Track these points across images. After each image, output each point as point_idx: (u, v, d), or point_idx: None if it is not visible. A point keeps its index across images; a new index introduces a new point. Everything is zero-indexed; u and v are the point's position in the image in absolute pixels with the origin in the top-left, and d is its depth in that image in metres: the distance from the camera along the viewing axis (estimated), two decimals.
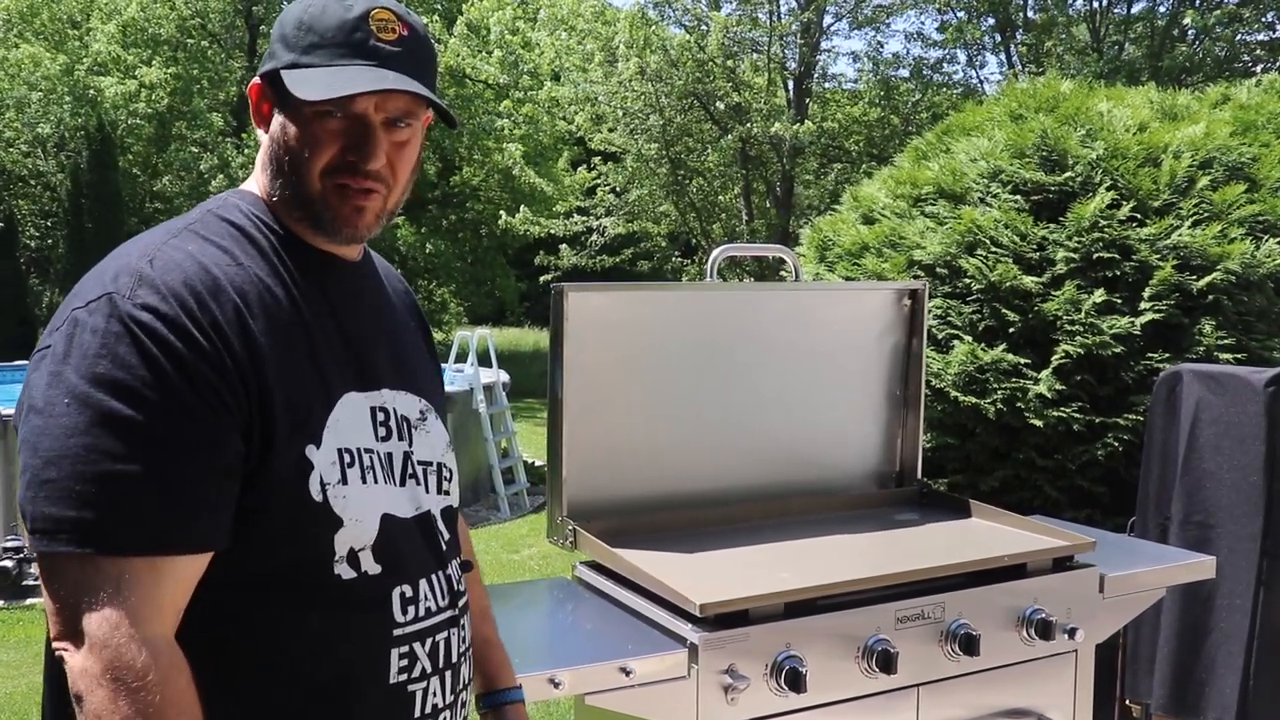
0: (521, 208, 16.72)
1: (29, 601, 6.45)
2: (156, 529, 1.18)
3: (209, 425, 1.21)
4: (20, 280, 18.40)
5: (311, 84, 1.31)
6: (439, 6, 21.06)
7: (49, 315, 18.55)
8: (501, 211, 17.09)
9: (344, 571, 1.31)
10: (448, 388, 9.73)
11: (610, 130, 16.34)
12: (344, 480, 1.31)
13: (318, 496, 1.29)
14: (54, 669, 1.30)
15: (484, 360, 10.06)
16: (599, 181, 17.30)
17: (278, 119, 1.37)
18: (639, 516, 2.61)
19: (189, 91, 19.49)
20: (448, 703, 1.45)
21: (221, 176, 18.29)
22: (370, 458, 1.36)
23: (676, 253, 18.96)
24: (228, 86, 21.20)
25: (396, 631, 1.37)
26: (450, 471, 1.53)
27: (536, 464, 10.81)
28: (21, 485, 1.20)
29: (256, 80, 1.39)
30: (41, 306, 19.26)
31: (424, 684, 1.40)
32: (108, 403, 1.16)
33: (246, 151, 19.05)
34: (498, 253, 21.65)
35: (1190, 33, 16.81)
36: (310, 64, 1.33)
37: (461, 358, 9.97)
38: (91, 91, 17.58)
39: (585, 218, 16.91)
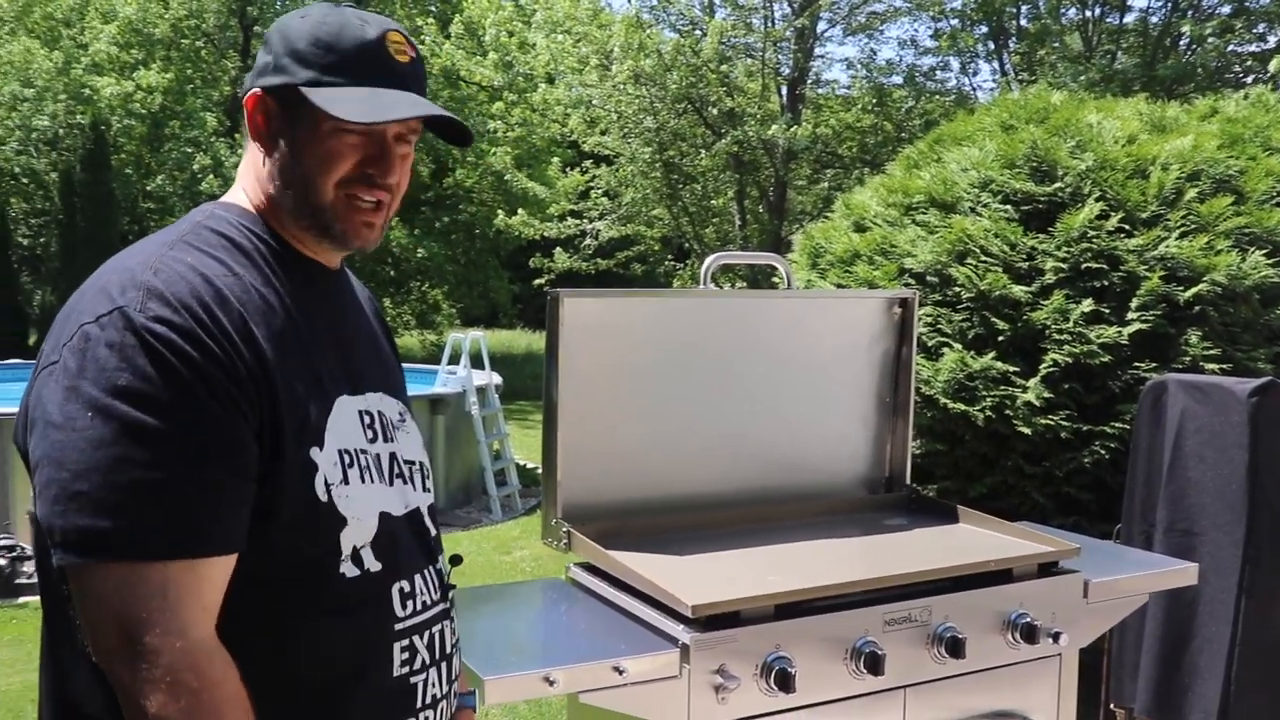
0: (519, 210, 16.75)
1: (21, 600, 6.45)
2: (195, 532, 1.22)
3: (229, 429, 1.24)
4: (12, 278, 18.35)
5: (350, 104, 1.34)
6: (433, 9, 21.06)
7: (41, 314, 18.44)
8: (500, 212, 17.11)
9: (348, 570, 1.36)
10: (440, 390, 9.76)
11: (603, 133, 16.39)
12: (345, 480, 1.36)
13: (323, 496, 1.33)
14: (57, 676, 1.32)
15: (476, 362, 10.07)
16: (592, 185, 17.34)
17: (289, 132, 1.39)
18: (632, 519, 2.64)
19: (182, 91, 19.45)
20: (444, 693, 1.51)
21: (214, 176, 18.23)
22: (365, 458, 1.41)
23: (670, 256, 19.00)
24: (221, 86, 21.14)
25: (397, 626, 1.42)
26: (429, 470, 1.60)
27: (529, 466, 10.82)
28: (44, 500, 1.20)
29: (257, 91, 1.40)
30: (33, 305, 19.20)
31: (424, 675, 1.46)
32: (132, 413, 1.19)
33: (240, 151, 18.96)
34: (490, 255, 21.62)
35: (1183, 42, 16.91)
36: (335, 83, 1.36)
37: (454, 360, 9.97)
38: (87, 91, 17.53)
39: (579, 221, 16.94)
